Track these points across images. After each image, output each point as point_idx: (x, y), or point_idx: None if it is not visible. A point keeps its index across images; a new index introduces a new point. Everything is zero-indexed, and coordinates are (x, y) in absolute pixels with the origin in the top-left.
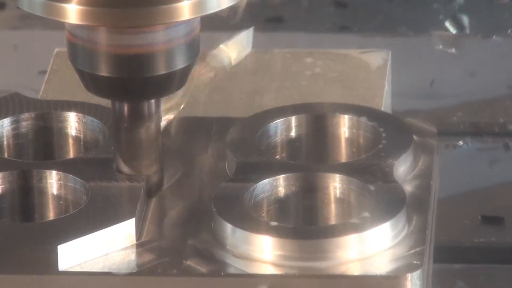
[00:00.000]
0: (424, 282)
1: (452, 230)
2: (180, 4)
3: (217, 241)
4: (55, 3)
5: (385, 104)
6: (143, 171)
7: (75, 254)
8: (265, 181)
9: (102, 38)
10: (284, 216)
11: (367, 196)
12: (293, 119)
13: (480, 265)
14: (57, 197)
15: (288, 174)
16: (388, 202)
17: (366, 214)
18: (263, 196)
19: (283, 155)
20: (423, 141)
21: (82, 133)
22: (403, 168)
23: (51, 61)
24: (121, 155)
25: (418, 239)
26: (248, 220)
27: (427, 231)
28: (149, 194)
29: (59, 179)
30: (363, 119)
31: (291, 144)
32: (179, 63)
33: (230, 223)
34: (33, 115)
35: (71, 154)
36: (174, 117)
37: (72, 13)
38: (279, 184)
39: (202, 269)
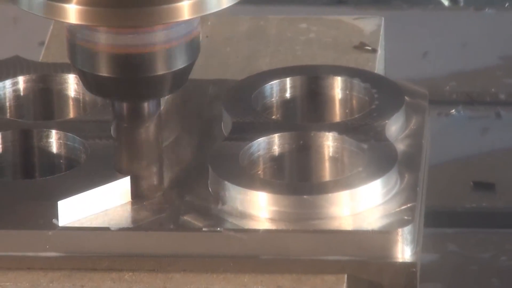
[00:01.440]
0: (415, 238)
1: (445, 196)
2: (180, 4)
3: (214, 198)
4: (55, 3)
5: (378, 68)
6: (143, 171)
7: (75, 210)
8: (261, 139)
9: (102, 38)
10: (279, 173)
11: (359, 154)
12: (288, 81)
13: (472, 230)
14: (57, 156)
15: (283, 133)
16: (380, 159)
17: (359, 171)
18: (258, 154)
19: (278, 115)
20: (414, 102)
21: (81, 94)
22: (395, 128)
23: (51, 27)
24: (121, 155)
25: (409, 196)
26: (244, 176)
27: (418, 188)
28: (149, 195)
29: (59, 138)
30: (356, 81)
31: (286, 105)
32: (180, 63)
33: (225, 179)
34: (33, 77)
35: (71, 115)
36: None
37: (72, 13)
38: (274, 143)
39: (199, 224)
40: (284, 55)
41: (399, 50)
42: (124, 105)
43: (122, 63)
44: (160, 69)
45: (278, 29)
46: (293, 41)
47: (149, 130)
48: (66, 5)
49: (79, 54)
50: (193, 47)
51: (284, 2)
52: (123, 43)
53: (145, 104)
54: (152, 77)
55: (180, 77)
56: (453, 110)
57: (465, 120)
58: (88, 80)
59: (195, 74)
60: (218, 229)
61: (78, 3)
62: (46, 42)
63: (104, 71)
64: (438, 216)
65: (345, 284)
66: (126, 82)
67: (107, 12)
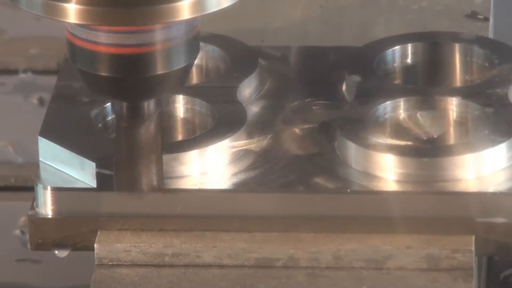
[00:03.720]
0: None
1: None
2: (179, 4)
3: (341, 160)
4: (55, 3)
5: (490, 36)
6: (143, 171)
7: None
8: (387, 103)
9: (102, 38)
10: (404, 136)
11: (483, 119)
12: (409, 47)
13: None
14: (184, 120)
15: (408, 97)
16: (504, 123)
17: (484, 134)
18: (385, 117)
19: (400, 80)
20: None
21: (204, 61)
22: None
23: None
24: (121, 154)
25: None
26: (370, 139)
27: None
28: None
29: (186, 103)
30: (476, 47)
31: (407, 71)
32: (179, 63)
33: (353, 142)
34: None
35: (194, 81)
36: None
37: (72, 13)
38: (399, 107)
39: (328, 185)
40: (397, 23)
41: (508, 18)
42: (124, 105)
43: (122, 63)
44: (160, 69)
45: None
46: (405, 9)
47: (149, 130)
48: (66, 5)
49: (79, 54)
50: (192, 47)
51: None
52: (122, 43)
53: (145, 104)
54: (152, 77)
55: (180, 77)
56: None
57: None
58: (88, 80)
59: (311, 42)
60: (348, 190)
61: (78, 3)
62: None
63: (104, 71)
64: None
65: (473, 245)
66: (126, 82)
67: (107, 12)
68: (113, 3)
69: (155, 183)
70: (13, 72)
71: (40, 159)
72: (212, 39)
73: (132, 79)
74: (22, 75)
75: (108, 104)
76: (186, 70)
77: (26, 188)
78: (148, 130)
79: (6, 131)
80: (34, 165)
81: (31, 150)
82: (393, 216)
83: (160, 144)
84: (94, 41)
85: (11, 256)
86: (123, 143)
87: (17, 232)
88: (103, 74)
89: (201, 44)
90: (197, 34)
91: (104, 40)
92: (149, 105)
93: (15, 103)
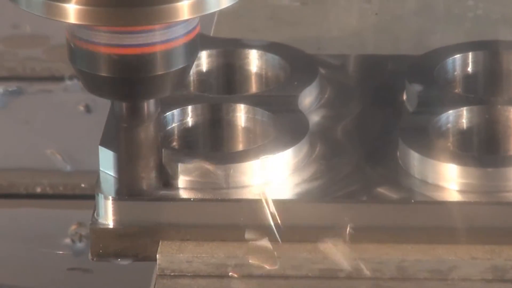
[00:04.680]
0: None
1: None
2: (179, 4)
3: (404, 169)
4: (55, 3)
5: None
6: (143, 170)
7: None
8: (449, 112)
9: (102, 38)
10: (467, 146)
11: None
12: (470, 55)
13: None
14: (245, 129)
15: (470, 106)
16: None
17: None
18: (447, 127)
19: (460, 89)
20: None
21: (263, 69)
22: None
23: None
24: (121, 154)
25: None
26: (434, 148)
27: None
28: (148, 196)
29: (247, 112)
30: None
31: (468, 79)
32: (179, 63)
33: (417, 151)
34: (215, 52)
35: (253, 90)
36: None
37: (72, 13)
38: (462, 116)
39: (392, 195)
40: (454, 32)
41: None
42: (124, 105)
43: (122, 63)
44: (160, 69)
45: (445, 6)
46: (461, 18)
47: (148, 129)
48: (66, 5)
49: (78, 54)
50: (192, 47)
51: None
52: (122, 43)
53: (145, 104)
54: (152, 77)
55: (180, 77)
56: None
57: None
58: (88, 80)
59: (367, 50)
60: (412, 201)
61: (77, 3)
62: (215, 18)
63: (103, 71)
64: None
65: None
66: (126, 82)
67: (107, 12)
68: (113, 3)
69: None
70: (59, 79)
71: (101, 168)
72: (271, 47)
73: (132, 79)
74: (68, 82)
75: (168, 113)
76: (186, 70)
77: (75, 196)
78: (148, 130)
79: (54, 139)
80: (82, 172)
81: (79, 158)
82: (457, 226)
83: (160, 145)
84: (94, 41)
85: (61, 265)
86: (123, 143)
87: (67, 240)
88: (103, 74)
89: (260, 52)
90: (197, 35)
91: (104, 40)
92: (149, 105)
93: (61, 110)
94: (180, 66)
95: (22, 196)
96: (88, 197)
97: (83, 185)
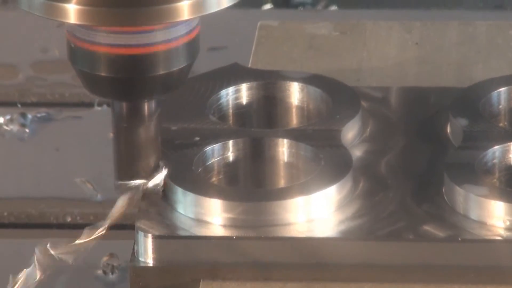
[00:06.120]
0: None
1: None
2: (179, 4)
3: (450, 206)
4: (55, 3)
5: None
6: (143, 171)
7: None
8: (495, 148)
9: (102, 38)
10: None
11: None
12: None
13: None
14: (288, 165)
15: None
16: None
17: None
18: (493, 162)
19: (506, 123)
20: None
21: (305, 102)
22: None
23: (256, 34)
24: (121, 154)
25: None
26: (480, 185)
27: None
28: (147, 196)
29: (290, 147)
30: None
31: None
32: (179, 63)
33: (463, 188)
34: (255, 84)
35: (294, 123)
36: None
37: (72, 13)
38: (509, 151)
39: (438, 233)
40: (496, 62)
41: None
42: (124, 105)
43: (122, 63)
44: (160, 69)
45: (488, 36)
46: (504, 48)
47: (148, 130)
48: (66, 5)
49: (78, 54)
50: (192, 47)
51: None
52: (122, 43)
53: (145, 104)
54: (152, 77)
55: (180, 77)
56: None
57: None
58: (88, 80)
59: (408, 81)
60: (460, 239)
61: (78, 3)
62: (252, 49)
63: (103, 71)
64: None
65: None
66: (126, 82)
67: (107, 12)
68: (113, 3)
69: None
70: (88, 105)
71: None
72: (312, 80)
73: (132, 79)
74: (97, 108)
75: (208, 148)
76: (186, 70)
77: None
78: (148, 130)
79: (84, 167)
80: (113, 201)
81: (110, 186)
82: (507, 265)
83: (160, 145)
84: (94, 41)
85: None
86: (123, 143)
87: (99, 272)
88: (103, 74)
89: (302, 85)
90: (197, 35)
91: (104, 40)
92: (149, 105)
93: (91, 137)
94: (181, 66)
95: (52, 225)
96: (120, 226)
97: None
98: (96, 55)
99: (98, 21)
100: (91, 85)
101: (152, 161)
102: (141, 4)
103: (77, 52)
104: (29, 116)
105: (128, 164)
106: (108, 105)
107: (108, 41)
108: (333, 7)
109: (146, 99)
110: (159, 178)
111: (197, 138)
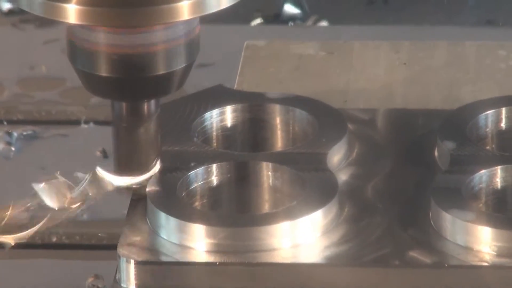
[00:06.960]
0: None
1: None
2: (179, 4)
3: (436, 231)
4: (55, 3)
5: None
6: (143, 171)
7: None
8: (482, 172)
9: (102, 38)
10: (502, 207)
11: None
12: (503, 111)
13: None
14: (273, 189)
15: (505, 166)
16: None
17: None
18: (480, 187)
19: (493, 146)
20: None
21: (290, 125)
22: None
23: (242, 54)
24: (121, 154)
25: None
26: (468, 210)
27: None
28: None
29: (275, 171)
30: None
31: (501, 136)
32: (179, 63)
33: (449, 213)
34: (239, 106)
35: (279, 146)
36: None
37: (72, 13)
38: (496, 175)
39: (424, 260)
40: (485, 83)
41: None
42: (124, 105)
43: (122, 63)
44: (160, 69)
45: (477, 56)
46: (493, 69)
47: (148, 130)
48: (66, 5)
49: (79, 54)
50: (192, 47)
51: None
52: (122, 43)
53: (145, 104)
54: (152, 77)
55: (180, 77)
56: None
57: None
58: (88, 80)
59: (396, 103)
60: (446, 265)
61: (78, 3)
62: (238, 70)
63: (104, 71)
64: None
65: None
66: (126, 82)
67: (107, 12)
68: (113, 3)
69: None
70: (75, 122)
71: (125, 228)
72: (298, 102)
73: (132, 79)
74: (84, 126)
75: (192, 172)
76: (186, 70)
77: (91, 246)
78: (147, 130)
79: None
80: (99, 222)
81: (96, 206)
82: None
83: (160, 145)
84: (94, 41)
85: None
86: (123, 143)
87: None
88: (103, 74)
89: (287, 107)
90: (197, 34)
91: (104, 40)
92: (149, 105)
93: (78, 155)
94: (181, 66)
95: (38, 246)
96: (106, 247)
97: (100, 234)
98: (96, 55)
99: (98, 21)
100: (91, 85)
101: (151, 161)
102: (141, 4)
103: (77, 52)
104: (15, 134)
105: (127, 164)
106: (94, 123)
107: (108, 41)
108: (323, 23)
109: (146, 99)
110: (148, 175)
111: (181, 162)
